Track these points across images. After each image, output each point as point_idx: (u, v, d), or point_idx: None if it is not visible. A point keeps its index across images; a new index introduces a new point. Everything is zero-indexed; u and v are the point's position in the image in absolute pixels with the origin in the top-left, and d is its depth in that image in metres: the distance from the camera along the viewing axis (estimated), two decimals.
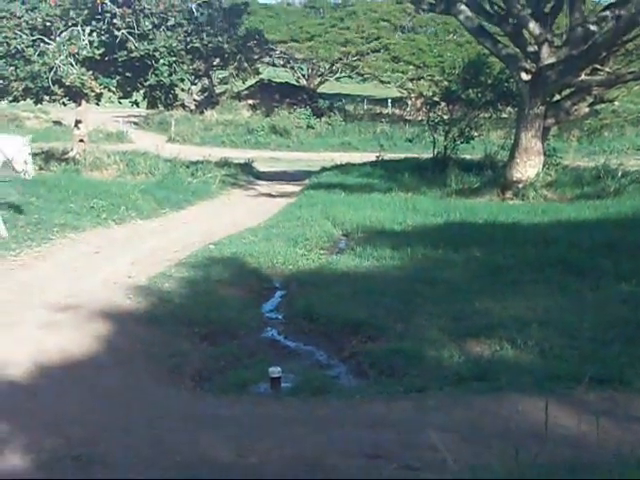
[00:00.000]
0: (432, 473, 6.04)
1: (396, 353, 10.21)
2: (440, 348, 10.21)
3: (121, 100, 31.92)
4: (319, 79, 62.82)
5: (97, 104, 30.66)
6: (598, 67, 24.20)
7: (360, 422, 7.73)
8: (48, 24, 26.80)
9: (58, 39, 26.92)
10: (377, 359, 10.30)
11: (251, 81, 61.15)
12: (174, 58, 28.81)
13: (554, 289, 12.83)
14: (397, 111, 57.65)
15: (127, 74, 29.35)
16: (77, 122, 30.22)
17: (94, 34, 27.22)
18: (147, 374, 9.64)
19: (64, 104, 30.33)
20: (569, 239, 16.03)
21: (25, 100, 29.91)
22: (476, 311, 11.78)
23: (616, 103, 30.79)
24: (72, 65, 26.53)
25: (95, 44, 27.00)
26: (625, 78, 24.62)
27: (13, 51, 26.51)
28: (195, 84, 47.23)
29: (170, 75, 28.87)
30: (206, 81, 55.26)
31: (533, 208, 21.86)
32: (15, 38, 26.19)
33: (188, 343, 10.88)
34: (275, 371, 9.59)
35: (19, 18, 26.35)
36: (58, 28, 27.04)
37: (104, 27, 27.30)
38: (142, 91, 30.63)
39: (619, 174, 25.64)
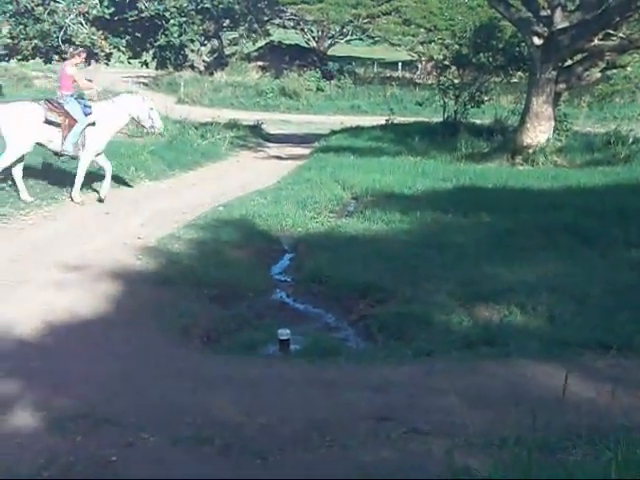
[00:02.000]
0: (441, 437, 6.06)
1: (404, 317, 10.23)
2: (449, 312, 10.23)
3: (131, 60, 31.83)
4: (329, 41, 62.45)
5: (107, 64, 30.57)
6: (611, 32, 24.01)
7: (369, 385, 7.75)
8: None
9: None
10: (385, 322, 10.33)
11: (261, 43, 60.83)
12: (184, 18, 28.68)
13: (563, 255, 12.82)
14: (407, 74, 57.37)
15: (137, 34, 29.24)
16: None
17: None
18: (156, 334, 9.66)
19: None
20: (579, 205, 16.00)
21: (34, 59, 29.82)
22: (485, 276, 11.78)
23: (628, 69, 30.51)
24: (82, 24, 26.45)
25: (105, 3, 26.86)
26: (638, 44, 24.44)
27: (22, 10, 26.40)
28: (205, 45, 46.92)
29: (180, 36, 28.76)
30: (216, 42, 55.00)
31: (543, 174, 21.80)
32: None
33: (197, 304, 10.89)
34: (284, 333, 9.61)
35: None
36: None
37: None
38: (152, 51, 30.52)
39: (630, 140, 25.54)
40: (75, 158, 16.62)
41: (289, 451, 6.21)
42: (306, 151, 28.69)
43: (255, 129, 34.69)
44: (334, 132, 32.72)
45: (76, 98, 16.50)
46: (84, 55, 17.48)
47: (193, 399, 7.24)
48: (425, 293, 11.09)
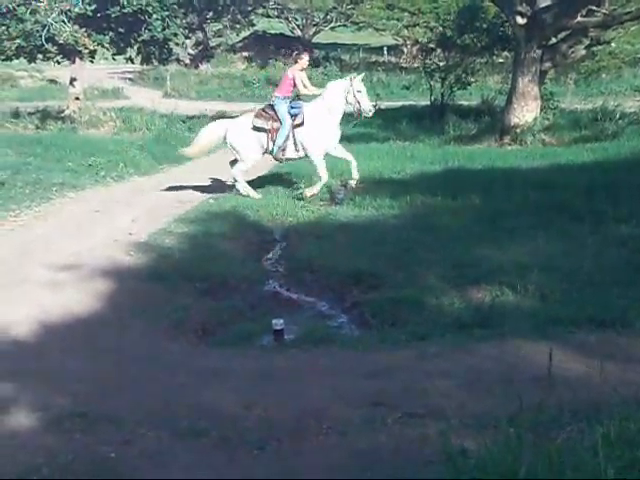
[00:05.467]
0: (436, 420, 6.09)
1: (397, 302, 10.25)
2: (441, 295, 10.25)
3: (115, 56, 31.79)
4: (314, 29, 62.32)
5: (91, 61, 30.52)
6: (594, 8, 23.96)
7: (363, 371, 7.78)
8: None
9: None
10: (379, 308, 10.34)
11: (245, 33, 60.81)
12: (167, 12, 28.65)
13: (553, 234, 12.82)
14: (393, 59, 57.30)
15: (120, 30, 29.18)
16: (72, 80, 30.06)
17: None
18: (150, 330, 9.68)
19: (58, 62, 30.16)
20: (568, 183, 16.00)
21: (18, 59, 29.77)
22: (476, 257, 11.80)
23: (613, 44, 30.56)
24: (65, 22, 26.35)
25: (87, 0, 26.80)
26: (621, 19, 24.43)
27: (4, 10, 26.33)
28: (189, 38, 46.98)
29: (163, 30, 28.73)
30: (200, 34, 55.03)
31: (531, 153, 21.82)
32: None
33: (190, 298, 10.90)
34: (278, 323, 9.64)
35: None
36: None
37: None
38: (136, 47, 30.47)
39: (617, 116, 25.59)
40: (282, 162, 17.74)
41: (286, 441, 6.25)
42: None
43: None
44: None
45: (288, 100, 17.00)
46: (307, 57, 17.58)
47: (189, 393, 7.27)
48: (417, 277, 11.12)
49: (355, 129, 27.86)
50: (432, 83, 30.53)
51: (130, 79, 53.46)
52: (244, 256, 13.22)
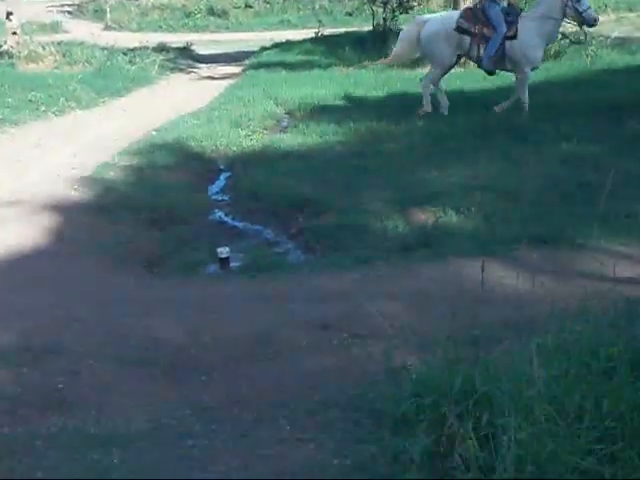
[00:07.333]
0: (380, 339, 6.19)
1: (342, 227, 10.31)
2: (385, 219, 10.33)
3: None
4: None
5: None
6: None
7: (309, 296, 7.87)
8: None
9: None
10: (324, 234, 10.40)
11: None
12: None
13: (496, 154, 12.92)
14: None
15: None
16: (8, 14, 29.50)
17: None
18: (96, 263, 9.66)
19: None
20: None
21: None
22: (419, 180, 11.89)
23: None
24: None
25: None
26: None
27: None
28: None
29: None
30: None
31: (474, 75, 21.81)
32: None
33: (136, 230, 10.89)
34: (224, 251, 9.69)
35: None
36: None
37: None
38: None
39: (559, 36, 25.61)
40: (492, 74, 16.56)
41: (234, 366, 6.33)
42: (237, 69, 28.46)
43: (185, 51, 34.29)
44: (264, 48, 32.39)
45: (502, 7, 15.68)
46: None
47: (136, 323, 7.30)
48: (362, 202, 11.18)
49: (298, 57, 27.77)
50: (374, 8, 30.30)
51: (69, 12, 52.61)
52: (189, 187, 13.22)
